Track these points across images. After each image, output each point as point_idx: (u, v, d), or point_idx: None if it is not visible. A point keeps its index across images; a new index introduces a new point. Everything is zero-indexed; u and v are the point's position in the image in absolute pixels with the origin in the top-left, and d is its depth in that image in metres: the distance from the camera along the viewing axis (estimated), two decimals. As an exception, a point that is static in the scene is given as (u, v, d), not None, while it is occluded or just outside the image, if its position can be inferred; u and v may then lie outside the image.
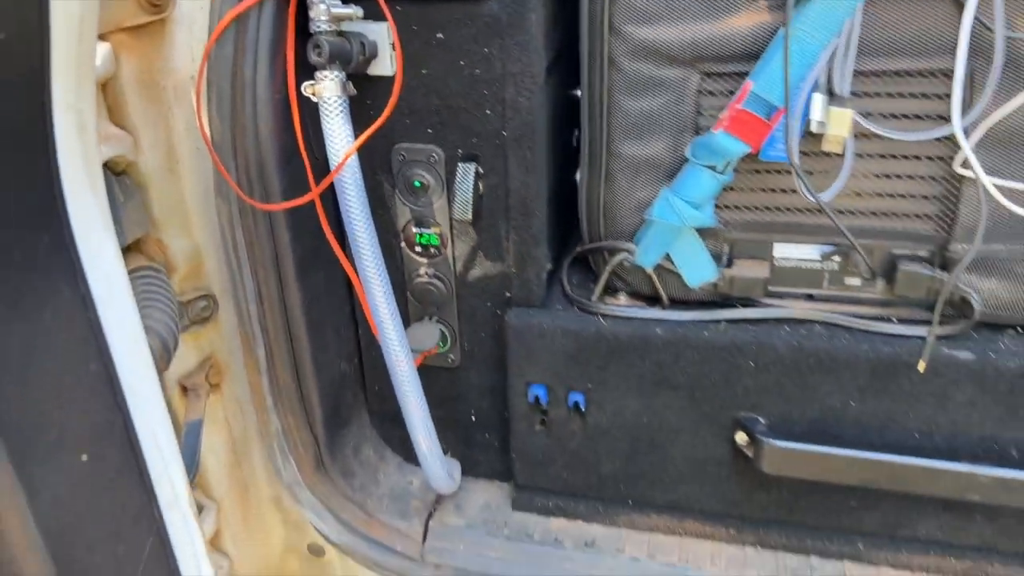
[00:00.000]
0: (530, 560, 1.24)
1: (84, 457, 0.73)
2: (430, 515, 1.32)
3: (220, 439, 1.26)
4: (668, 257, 1.13)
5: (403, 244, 1.21)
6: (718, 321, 1.13)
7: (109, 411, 0.76)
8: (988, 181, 0.94)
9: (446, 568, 1.25)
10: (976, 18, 0.89)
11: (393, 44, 1.03)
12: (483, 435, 1.35)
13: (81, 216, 0.70)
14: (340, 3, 0.98)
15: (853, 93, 0.98)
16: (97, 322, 0.74)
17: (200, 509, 1.25)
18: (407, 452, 1.37)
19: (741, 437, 1.15)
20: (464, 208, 1.12)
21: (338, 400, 1.27)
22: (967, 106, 0.94)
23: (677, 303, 1.17)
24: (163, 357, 0.92)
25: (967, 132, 0.95)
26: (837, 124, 0.98)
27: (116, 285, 0.76)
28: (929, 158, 1.00)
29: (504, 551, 1.26)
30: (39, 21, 0.60)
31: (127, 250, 1.05)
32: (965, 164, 0.96)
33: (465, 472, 1.38)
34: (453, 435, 1.36)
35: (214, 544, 1.29)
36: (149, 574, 0.82)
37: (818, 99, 0.97)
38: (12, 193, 0.65)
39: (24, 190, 0.66)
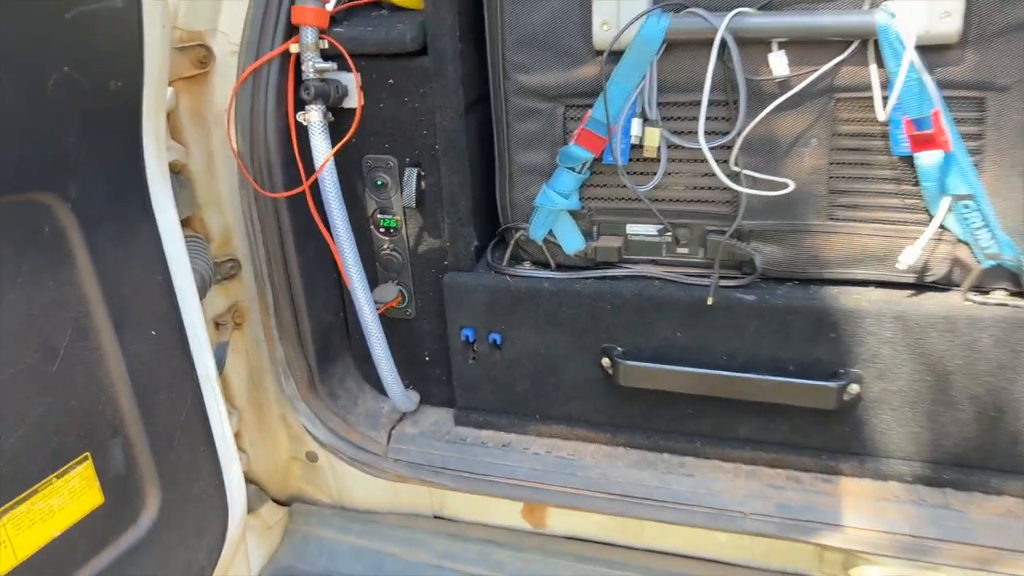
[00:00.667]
0: (462, 456, 1.71)
1: (153, 332, 1.23)
2: (393, 427, 1.79)
3: (241, 367, 1.76)
4: (553, 234, 1.60)
5: (372, 227, 1.70)
6: (587, 278, 1.60)
7: (168, 307, 1.26)
8: (720, 172, 1.41)
9: (402, 462, 1.72)
10: (727, 66, 1.37)
11: (358, 87, 1.53)
12: (435, 371, 1.82)
13: (156, 188, 1.21)
14: (322, 60, 1.49)
15: (664, 117, 1.46)
16: (162, 253, 1.24)
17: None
18: (381, 388, 1.86)
19: (605, 361, 1.61)
20: (410, 199, 1.61)
21: (326, 341, 1.76)
22: (734, 124, 1.41)
23: (561, 267, 1.64)
24: (201, 288, 1.42)
25: (734, 141, 1.41)
26: (650, 138, 1.45)
27: (174, 232, 1.26)
28: (720, 161, 1.46)
29: (444, 450, 1.72)
30: (139, 74, 1.11)
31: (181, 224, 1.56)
32: (736, 163, 1.43)
33: (423, 401, 1.86)
34: (413, 372, 1.83)
35: (236, 441, 1.78)
36: (189, 416, 1.32)
37: (636, 121, 1.45)
38: (117, 172, 1.16)
39: (124, 171, 1.17)
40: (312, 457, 1.85)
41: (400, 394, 1.72)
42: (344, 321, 1.82)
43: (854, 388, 1.47)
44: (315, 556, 1.83)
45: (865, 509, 1.49)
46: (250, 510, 1.79)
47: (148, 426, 1.24)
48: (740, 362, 1.54)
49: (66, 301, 1.10)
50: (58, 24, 0.98)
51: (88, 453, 1.16)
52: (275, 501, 1.93)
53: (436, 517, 1.86)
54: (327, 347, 1.77)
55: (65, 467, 1.12)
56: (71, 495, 1.13)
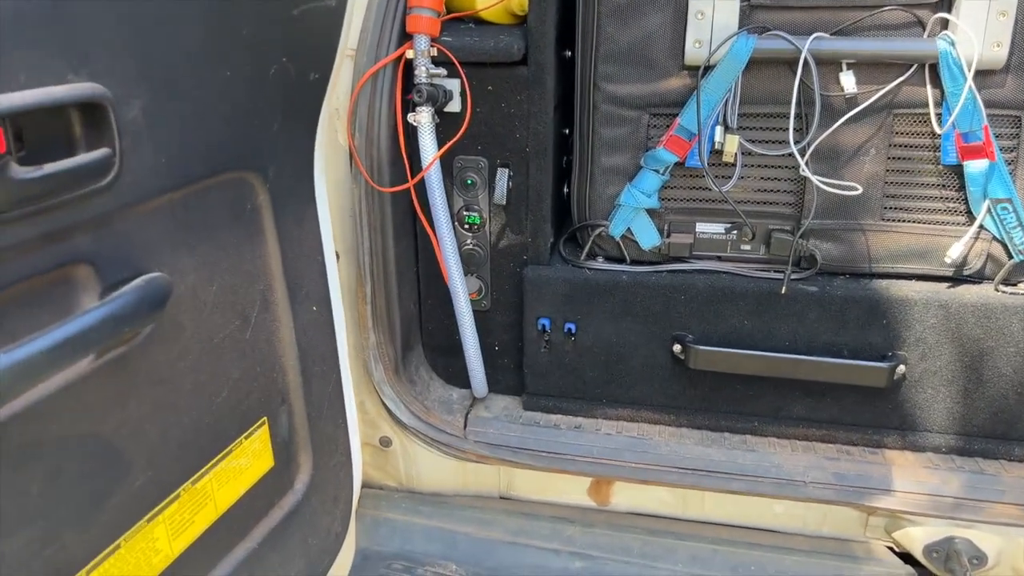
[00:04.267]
0: (537, 437, 1.84)
1: (314, 308, 1.33)
2: (467, 412, 1.91)
3: (329, 354, 1.84)
4: (629, 231, 1.76)
5: (456, 223, 1.82)
6: (661, 271, 1.76)
7: (323, 286, 1.36)
8: (814, 178, 1.60)
9: (481, 443, 1.84)
10: (803, 82, 1.56)
11: (463, 92, 1.67)
12: (503, 360, 1.94)
13: (318, 175, 1.32)
14: (433, 65, 1.62)
15: (740, 126, 1.64)
16: (320, 235, 1.35)
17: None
18: (448, 376, 1.98)
19: (677, 347, 1.77)
20: (501, 197, 1.74)
21: (408, 330, 1.87)
22: (805, 134, 1.60)
23: (635, 261, 1.80)
24: (331, 272, 1.52)
25: (805, 150, 1.61)
26: (730, 145, 1.63)
27: (326, 217, 1.37)
28: (787, 167, 1.65)
29: (519, 432, 1.85)
30: (330, 68, 1.22)
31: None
32: (807, 168, 1.62)
33: (490, 389, 1.98)
34: (483, 361, 1.95)
35: (322, 426, 1.86)
36: (334, 389, 1.41)
37: (719, 129, 1.63)
38: (301, 157, 1.26)
39: (304, 157, 1.28)
40: (385, 443, 1.94)
41: (482, 380, 1.85)
42: (419, 312, 1.93)
43: (901, 368, 1.68)
44: (388, 537, 1.91)
45: (910, 476, 1.69)
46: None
47: (306, 396, 1.33)
48: (801, 346, 1.72)
49: (257, 274, 1.20)
50: (285, 19, 1.09)
51: (265, 418, 1.24)
52: (345, 486, 2.01)
53: (503, 498, 1.98)
54: (407, 336, 1.87)
55: (251, 429, 1.21)
56: (253, 456, 1.22)
